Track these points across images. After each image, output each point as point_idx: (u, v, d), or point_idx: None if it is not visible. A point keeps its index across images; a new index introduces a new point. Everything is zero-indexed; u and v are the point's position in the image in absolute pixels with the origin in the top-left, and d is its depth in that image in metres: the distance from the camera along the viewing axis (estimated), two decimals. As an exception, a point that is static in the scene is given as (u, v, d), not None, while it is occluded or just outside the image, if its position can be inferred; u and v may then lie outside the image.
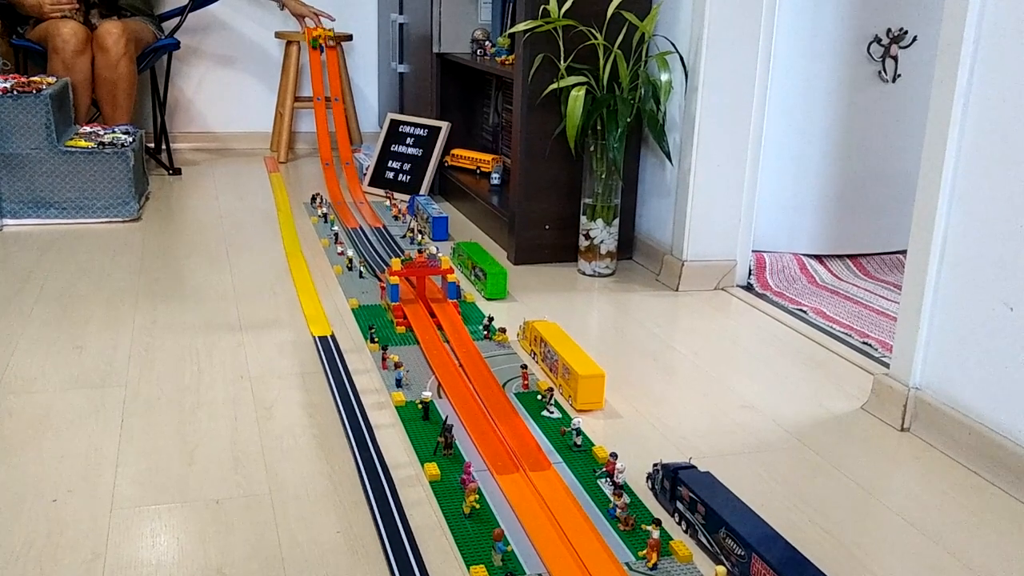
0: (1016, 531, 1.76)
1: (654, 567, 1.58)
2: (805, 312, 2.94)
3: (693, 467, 1.77)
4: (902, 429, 2.17)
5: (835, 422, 2.21)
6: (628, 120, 3.09)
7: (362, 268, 3.22)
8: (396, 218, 3.98)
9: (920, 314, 2.14)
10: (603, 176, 3.19)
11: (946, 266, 2.09)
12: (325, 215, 3.92)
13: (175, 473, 1.86)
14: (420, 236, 3.69)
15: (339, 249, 3.47)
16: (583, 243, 3.30)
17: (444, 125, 4.35)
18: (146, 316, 2.73)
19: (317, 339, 2.58)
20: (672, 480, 1.75)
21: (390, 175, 4.45)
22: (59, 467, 1.87)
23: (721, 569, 1.53)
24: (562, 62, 3.23)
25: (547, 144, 3.33)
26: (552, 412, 2.18)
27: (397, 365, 2.37)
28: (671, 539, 1.66)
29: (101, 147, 3.77)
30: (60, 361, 2.40)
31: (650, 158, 3.40)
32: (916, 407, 2.15)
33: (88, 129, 4.04)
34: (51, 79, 3.97)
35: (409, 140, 4.45)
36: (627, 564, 1.59)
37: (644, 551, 1.62)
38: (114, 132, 4.01)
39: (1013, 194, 1.90)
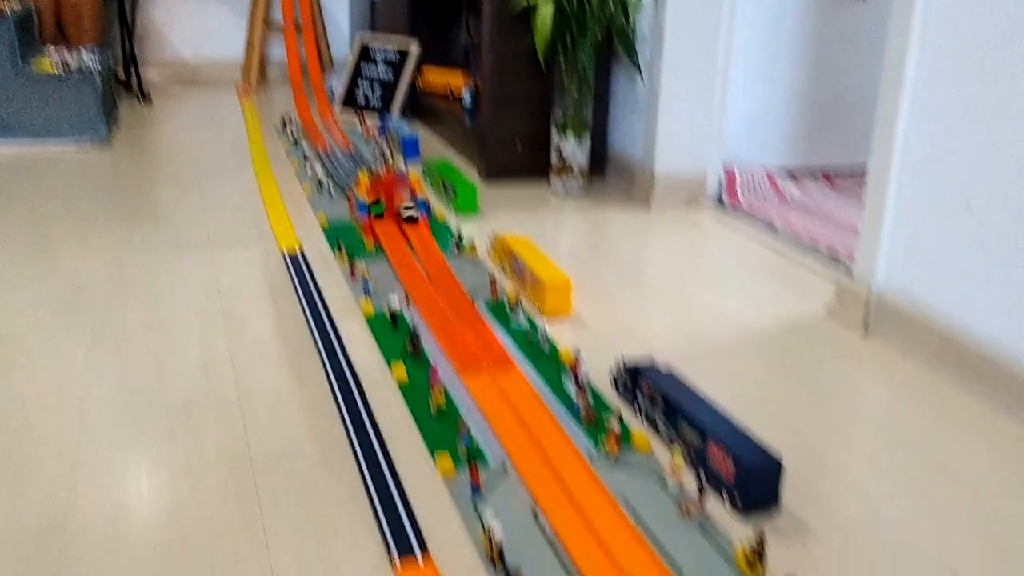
0: (974, 429, 1.80)
1: (614, 457, 1.62)
2: (775, 226, 2.96)
3: (654, 365, 1.80)
4: (865, 333, 2.20)
5: (801, 328, 2.24)
6: (598, 34, 3.07)
7: (331, 188, 3.21)
8: (367, 141, 3.96)
9: (882, 219, 2.17)
10: (573, 91, 3.17)
11: (907, 171, 2.10)
12: (295, 139, 3.90)
13: (146, 383, 1.88)
14: (390, 154, 3.68)
15: (309, 171, 3.46)
16: (555, 160, 3.29)
17: (414, 47, 4.31)
18: (117, 237, 2.73)
19: (287, 255, 2.58)
20: (633, 376, 1.78)
21: (361, 98, 4.42)
22: (31, 382, 1.89)
23: (676, 450, 1.57)
24: (530, -23, 3.20)
25: (517, 60, 3.31)
26: (519, 320, 2.20)
27: (365, 277, 2.38)
28: (631, 431, 1.69)
29: (68, 72, 3.72)
30: (31, 280, 2.40)
31: (621, 75, 3.39)
32: (878, 311, 2.18)
33: (55, 52, 3.99)
34: (15, 2, 3.91)
35: (380, 63, 4.41)
36: (588, 455, 1.62)
37: (604, 442, 1.65)
38: (81, 56, 3.96)
39: (972, 99, 1.91)
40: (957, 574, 1.36)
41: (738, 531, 1.44)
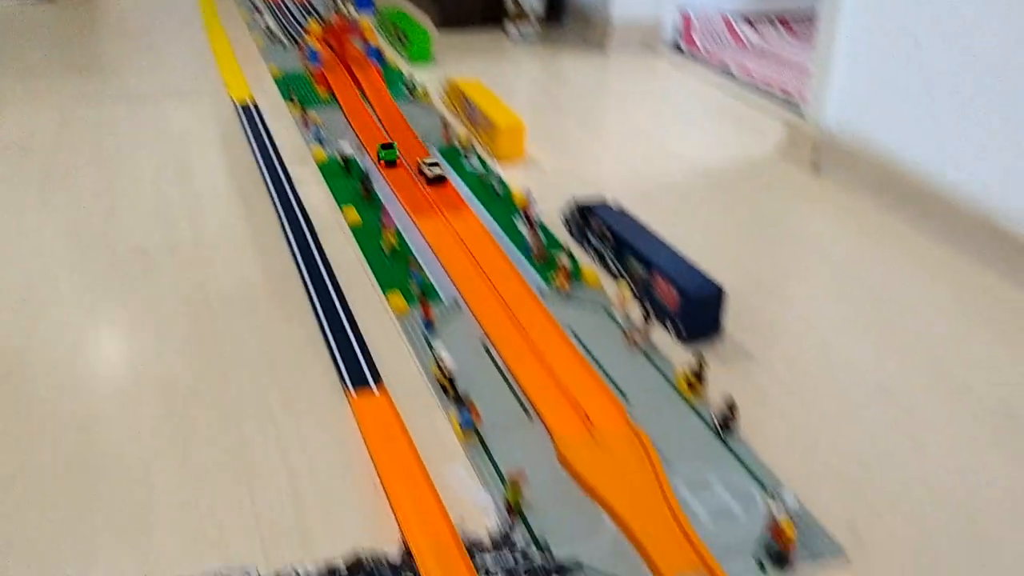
0: (922, 265, 1.85)
1: (564, 292, 1.65)
2: (730, 70, 2.95)
3: (605, 203, 1.82)
4: (816, 171, 2.23)
5: (753, 168, 2.26)
6: None
7: (283, 39, 3.15)
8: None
9: (831, 58, 2.16)
10: (527, -66, 3.10)
11: (857, 10, 2.09)
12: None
13: (99, 228, 1.88)
14: (341, 3, 3.59)
15: (260, 22, 3.38)
16: (510, 6, 3.23)
17: None
18: (65, 90, 2.67)
19: (238, 105, 2.55)
20: (584, 214, 1.80)
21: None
22: (-21, 226, 1.88)
23: (624, 283, 1.61)
24: None
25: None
26: (472, 163, 2.20)
27: (318, 124, 2.36)
28: (581, 267, 1.72)
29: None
30: (-25, 132, 2.36)
31: (577, -84, 3.30)
32: (829, 150, 2.20)
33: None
34: None
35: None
36: (539, 290, 1.65)
37: (555, 278, 1.68)
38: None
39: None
40: (892, 395, 1.42)
41: (681, 357, 1.49)
